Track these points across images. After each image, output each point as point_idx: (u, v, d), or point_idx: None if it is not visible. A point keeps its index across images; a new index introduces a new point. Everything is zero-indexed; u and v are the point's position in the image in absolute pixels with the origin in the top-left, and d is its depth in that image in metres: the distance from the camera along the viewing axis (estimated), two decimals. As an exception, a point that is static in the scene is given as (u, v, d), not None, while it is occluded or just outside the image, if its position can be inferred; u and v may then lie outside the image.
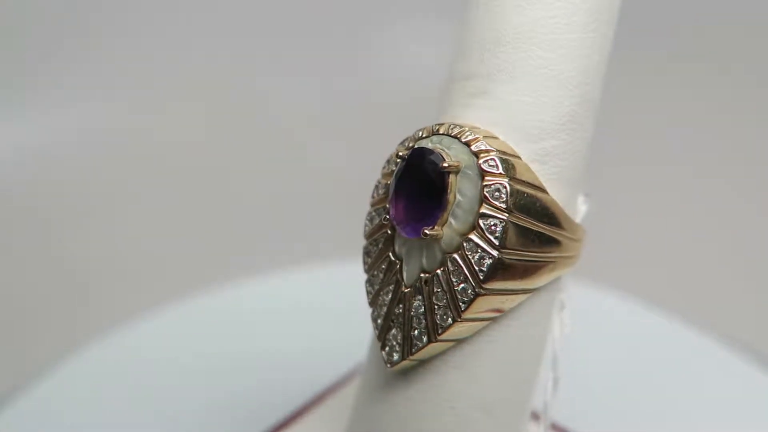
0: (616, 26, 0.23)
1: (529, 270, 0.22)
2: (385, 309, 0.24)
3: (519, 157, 0.22)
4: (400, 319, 0.23)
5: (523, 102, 0.22)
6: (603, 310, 0.42)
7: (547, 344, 0.25)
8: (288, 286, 0.43)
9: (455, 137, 0.22)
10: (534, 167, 0.22)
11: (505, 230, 0.21)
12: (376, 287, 0.24)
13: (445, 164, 0.21)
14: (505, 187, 0.21)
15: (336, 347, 0.34)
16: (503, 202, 0.21)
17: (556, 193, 0.23)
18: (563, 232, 0.23)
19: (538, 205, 0.22)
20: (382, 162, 0.23)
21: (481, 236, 0.21)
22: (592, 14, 0.22)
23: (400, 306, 0.23)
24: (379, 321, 0.24)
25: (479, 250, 0.21)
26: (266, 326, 0.40)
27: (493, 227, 0.21)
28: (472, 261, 0.21)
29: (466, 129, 0.22)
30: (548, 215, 0.22)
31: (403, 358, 0.23)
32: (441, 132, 0.22)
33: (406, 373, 0.24)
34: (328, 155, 0.56)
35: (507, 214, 0.21)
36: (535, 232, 0.22)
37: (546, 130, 0.22)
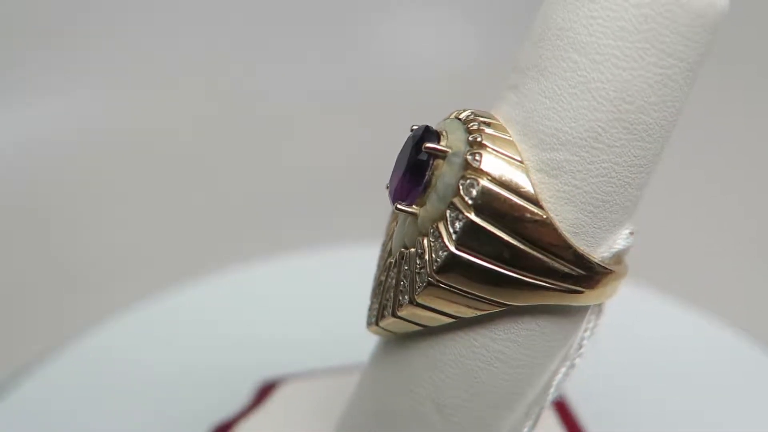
0: (703, 48, 0.19)
1: (497, 282, 0.21)
2: (378, 273, 0.24)
3: (520, 161, 0.20)
4: (380, 287, 0.24)
5: (543, 104, 0.20)
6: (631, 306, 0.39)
7: (540, 375, 0.23)
8: (282, 273, 0.42)
9: (464, 123, 0.21)
10: (537, 177, 0.20)
11: (466, 228, 0.20)
12: (381, 251, 0.25)
13: (429, 145, 0.21)
14: (479, 185, 0.20)
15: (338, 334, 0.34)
16: (472, 198, 0.20)
17: (562, 215, 0.20)
18: (556, 259, 0.20)
19: (518, 217, 0.20)
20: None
21: (445, 227, 0.20)
22: (645, 22, 0.19)
23: (384, 273, 0.24)
24: (374, 282, 0.25)
25: (439, 240, 0.21)
26: (263, 313, 0.40)
27: (456, 221, 0.20)
28: (433, 248, 0.21)
29: (480, 119, 0.21)
30: (536, 233, 0.20)
31: (376, 323, 0.24)
32: (460, 116, 0.22)
33: (389, 344, 0.25)
34: (321, 145, 0.52)
35: (472, 213, 0.20)
36: (507, 243, 0.20)
37: (561, 141, 0.20)
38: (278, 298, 0.41)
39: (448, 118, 0.23)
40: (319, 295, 0.39)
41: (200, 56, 0.58)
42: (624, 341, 0.37)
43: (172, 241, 0.48)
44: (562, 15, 0.20)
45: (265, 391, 0.35)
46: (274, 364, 0.35)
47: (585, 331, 0.23)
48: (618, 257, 0.22)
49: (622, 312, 0.39)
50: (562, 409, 0.32)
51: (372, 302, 0.24)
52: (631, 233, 0.22)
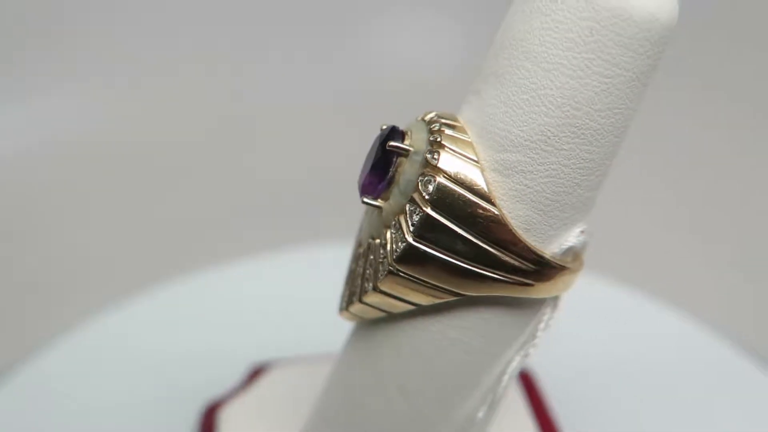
0: (650, 59, 0.21)
1: (451, 272, 0.22)
2: (350, 262, 0.26)
3: (476, 161, 0.22)
4: (351, 275, 0.25)
5: (500, 109, 0.22)
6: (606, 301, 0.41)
7: (494, 363, 0.24)
8: (276, 271, 0.44)
9: (428, 124, 0.23)
10: (492, 176, 0.22)
11: (423, 221, 0.22)
12: (355, 242, 0.26)
13: (392, 143, 0.22)
14: (435, 181, 0.21)
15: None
16: (428, 194, 0.21)
17: (514, 212, 0.22)
18: (506, 253, 0.22)
19: (471, 212, 0.21)
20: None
21: (405, 220, 0.22)
22: (590, 35, 0.20)
23: (355, 262, 0.25)
24: (347, 271, 0.26)
25: (400, 232, 0.22)
26: (253, 312, 0.41)
27: (414, 215, 0.22)
28: (394, 239, 0.22)
29: (442, 120, 0.23)
30: (488, 229, 0.22)
31: (346, 308, 0.25)
32: (426, 118, 0.23)
33: (360, 329, 0.26)
34: (309, 146, 0.53)
35: (428, 207, 0.21)
36: (460, 236, 0.21)
37: (513, 143, 0.21)
38: (271, 297, 0.43)
39: (416, 119, 0.24)
40: (309, 290, 0.40)
41: (183, 56, 0.57)
42: (602, 340, 0.38)
43: (170, 240, 0.49)
44: (519, 26, 0.21)
45: (255, 374, 0.37)
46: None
47: (540, 323, 0.25)
48: (575, 254, 0.24)
49: (599, 310, 0.40)
50: (533, 396, 0.33)
51: (344, 289, 0.26)
52: (582, 232, 0.23)
